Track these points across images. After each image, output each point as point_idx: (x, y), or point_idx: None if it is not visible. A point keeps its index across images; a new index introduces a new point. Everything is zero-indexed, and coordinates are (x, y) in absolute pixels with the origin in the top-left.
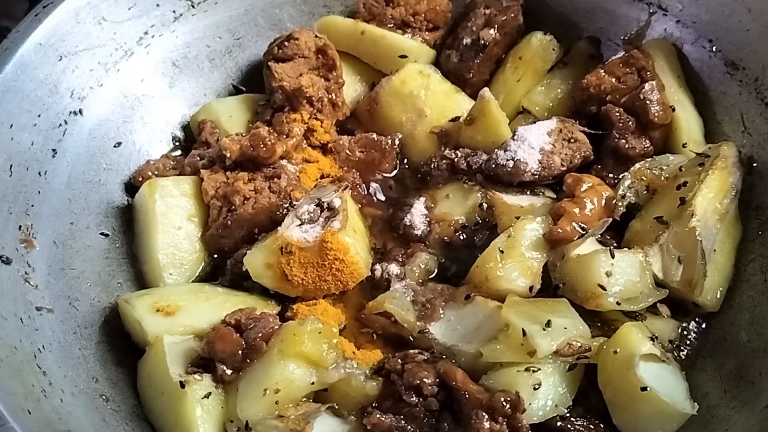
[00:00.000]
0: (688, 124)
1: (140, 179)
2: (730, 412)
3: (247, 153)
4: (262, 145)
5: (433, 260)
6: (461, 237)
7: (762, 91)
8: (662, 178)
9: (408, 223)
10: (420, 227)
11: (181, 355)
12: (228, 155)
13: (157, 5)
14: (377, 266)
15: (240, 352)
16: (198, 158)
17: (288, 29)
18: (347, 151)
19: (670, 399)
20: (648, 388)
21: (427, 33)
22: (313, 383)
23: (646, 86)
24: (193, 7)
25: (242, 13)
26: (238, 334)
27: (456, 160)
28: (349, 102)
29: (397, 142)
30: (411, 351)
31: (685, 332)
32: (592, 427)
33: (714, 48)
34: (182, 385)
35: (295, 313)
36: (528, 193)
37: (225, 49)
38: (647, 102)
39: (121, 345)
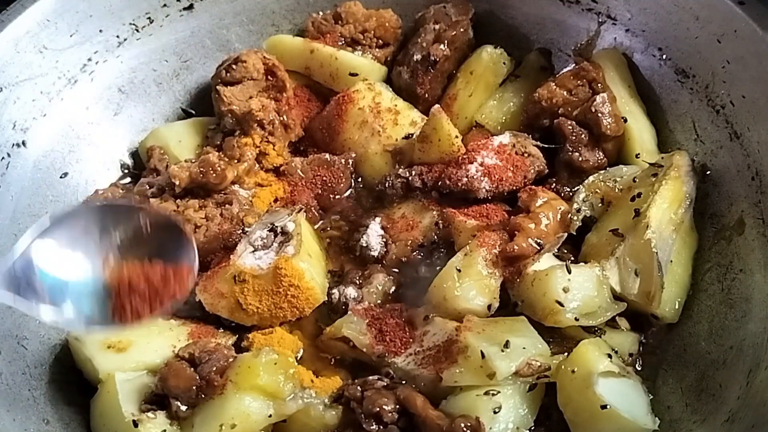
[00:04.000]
0: (641, 134)
1: None
2: (692, 426)
3: (197, 180)
4: (211, 172)
5: (391, 281)
6: (419, 256)
7: (712, 99)
8: (616, 190)
9: (364, 245)
10: (376, 248)
11: (135, 392)
12: (177, 183)
13: (100, 31)
14: (334, 290)
15: (194, 387)
16: (147, 187)
17: (236, 50)
18: (300, 173)
19: (631, 415)
20: (608, 406)
21: (377, 50)
22: (270, 416)
23: (598, 98)
24: (137, 31)
25: (189, 36)
26: (192, 369)
27: (410, 178)
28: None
29: (350, 161)
30: (370, 377)
31: (645, 345)
32: None
33: (664, 56)
34: (135, 424)
35: (251, 342)
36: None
37: (172, 73)
38: (599, 114)
39: (74, 383)
